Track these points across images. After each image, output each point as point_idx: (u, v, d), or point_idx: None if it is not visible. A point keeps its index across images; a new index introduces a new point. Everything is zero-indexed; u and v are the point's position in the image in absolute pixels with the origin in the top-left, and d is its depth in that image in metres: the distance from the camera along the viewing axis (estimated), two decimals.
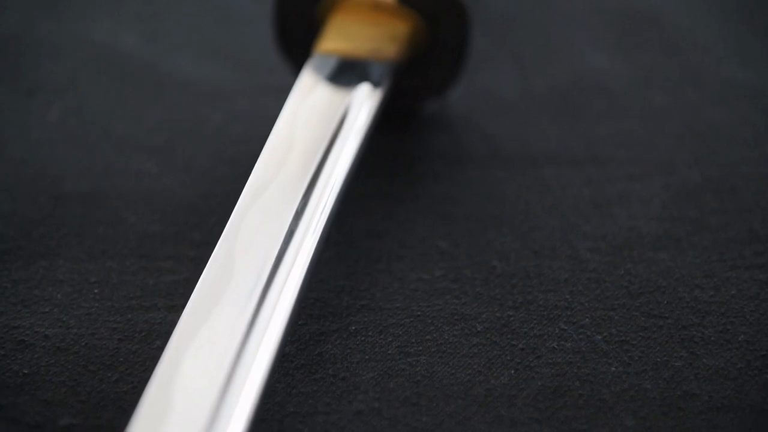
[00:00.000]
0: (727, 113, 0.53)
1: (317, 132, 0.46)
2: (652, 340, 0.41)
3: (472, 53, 0.56)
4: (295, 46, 0.53)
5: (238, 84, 0.55)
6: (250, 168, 0.45)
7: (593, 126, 0.52)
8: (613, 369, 0.40)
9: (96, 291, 0.43)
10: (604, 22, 0.60)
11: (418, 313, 0.43)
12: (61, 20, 0.59)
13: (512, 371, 0.40)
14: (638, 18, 0.60)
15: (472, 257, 0.45)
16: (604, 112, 0.53)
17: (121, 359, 0.40)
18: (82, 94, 0.54)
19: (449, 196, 0.48)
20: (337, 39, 0.50)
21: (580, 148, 0.51)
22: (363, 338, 0.42)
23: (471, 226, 0.47)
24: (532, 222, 0.47)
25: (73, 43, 0.58)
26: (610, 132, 0.52)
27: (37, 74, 0.55)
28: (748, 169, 0.49)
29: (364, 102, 0.48)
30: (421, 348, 0.41)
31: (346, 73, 0.49)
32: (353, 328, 0.42)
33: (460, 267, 0.45)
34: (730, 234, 0.46)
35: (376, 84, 0.49)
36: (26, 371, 0.40)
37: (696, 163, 0.50)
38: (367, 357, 0.41)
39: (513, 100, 0.54)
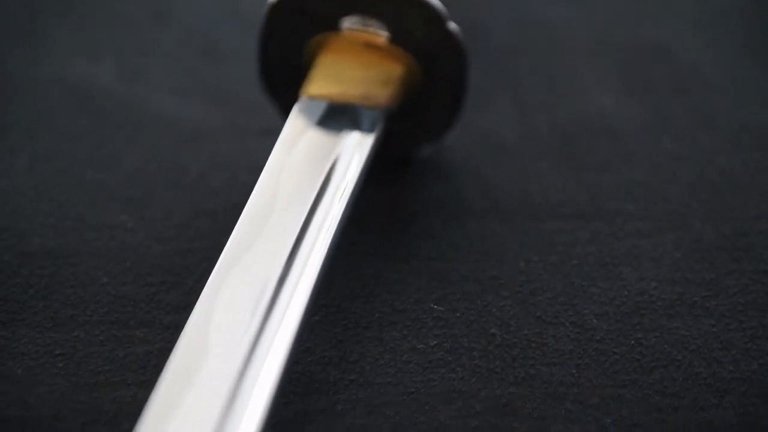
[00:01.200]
0: (743, 161, 0.49)
1: (303, 187, 0.43)
2: (667, 423, 0.38)
3: (469, 92, 0.52)
4: (282, 87, 0.50)
5: (222, 124, 0.52)
6: (232, 221, 0.42)
7: (599, 174, 0.49)
8: None
9: (60, 365, 0.40)
10: (611, 58, 0.56)
11: (412, 389, 0.39)
12: (34, 55, 0.56)
13: None
14: (647, 53, 0.57)
15: (470, 324, 0.42)
16: (611, 159, 0.49)
17: None
18: (54, 137, 0.51)
19: (445, 253, 0.45)
20: (326, 82, 0.47)
21: (585, 200, 0.47)
22: (351, 420, 0.38)
23: (468, 287, 0.43)
24: (534, 284, 0.43)
25: (46, 81, 0.54)
26: (617, 181, 0.48)
27: (6, 115, 0.52)
28: (766, 224, 0.46)
29: (354, 153, 0.44)
30: None
31: (335, 120, 0.46)
32: (340, 407, 0.39)
33: (456, 335, 0.41)
34: (749, 298, 0.42)
35: (367, 132, 0.45)
36: None
37: (709, 217, 0.46)
38: None
39: (513, 144, 0.51)
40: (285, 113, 0.50)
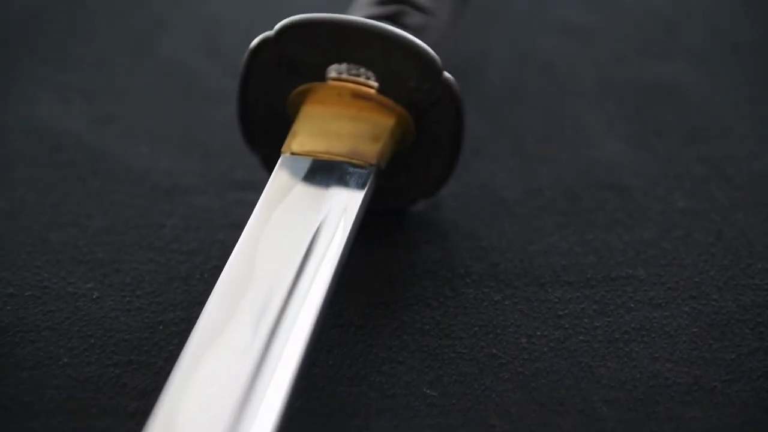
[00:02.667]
0: (764, 219, 0.45)
1: (285, 254, 0.39)
2: None
3: (466, 141, 0.49)
4: (264, 139, 0.46)
5: (200, 176, 0.48)
6: (208, 288, 0.38)
7: (606, 234, 0.45)
8: None
9: None
10: (618, 101, 0.52)
11: None
12: None
13: None
14: (656, 94, 0.53)
15: (466, 412, 0.38)
16: (619, 217, 0.46)
17: None
18: (17, 192, 0.47)
19: (439, 326, 0.41)
20: (310, 137, 0.43)
21: (592, 264, 0.44)
22: None
23: (464, 367, 0.40)
24: (537, 363, 0.40)
25: (8, 123, 0.50)
26: (627, 242, 0.44)
27: None
28: None
29: (341, 216, 0.41)
30: None
31: (320, 178, 0.42)
32: None
33: (452, 425, 0.38)
34: None
35: (355, 192, 0.42)
36: None
37: (728, 285, 0.42)
38: None
39: (513, 199, 0.47)
40: (267, 165, 0.46)
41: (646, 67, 0.55)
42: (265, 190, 0.42)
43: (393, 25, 0.46)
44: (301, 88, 0.44)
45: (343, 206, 0.41)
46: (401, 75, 0.43)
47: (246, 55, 0.44)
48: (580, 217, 0.46)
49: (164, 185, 0.48)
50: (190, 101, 0.53)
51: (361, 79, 0.44)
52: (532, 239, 0.45)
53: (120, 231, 0.45)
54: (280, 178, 0.42)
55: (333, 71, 0.44)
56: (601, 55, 0.56)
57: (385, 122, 0.44)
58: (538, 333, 0.41)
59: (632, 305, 0.42)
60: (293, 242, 0.40)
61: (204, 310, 0.37)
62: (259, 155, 0.46)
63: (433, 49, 0.46)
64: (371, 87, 0.44)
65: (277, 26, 0.44)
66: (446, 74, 0.43)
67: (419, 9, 0.47)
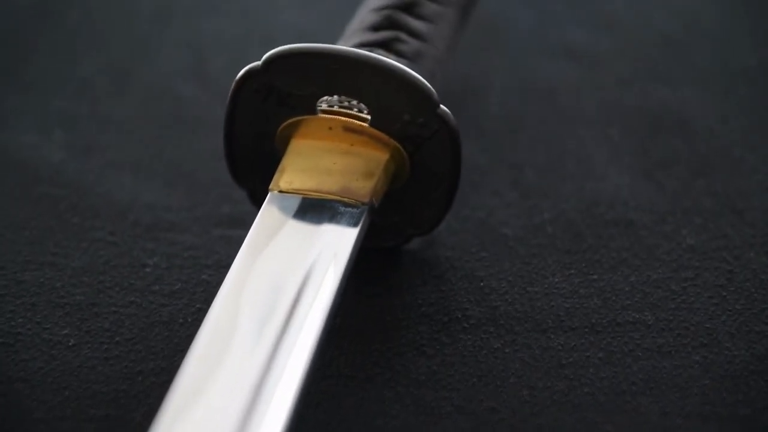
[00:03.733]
0: None
1: (273, 299, 0.37)
2: None
3: (464, 174, 0.46)
4: (251, 173, 0.44)
5: (184, 210, 0.46)
6: (191, 333, 0.36)
7: (612, 275, 0.43)
8: None
9: None
10: (623, 129, 0.50)
11: None
12: None
13: None
14: (663, 123, 0.50)
15: None
16: (625, 256, 0.43)
17: None
18: None
19: (435, 375, 0.39)
20: (299, 174, 0.41)
21: (597, 308, 0.41)
22: None
23: (462, 422, 0.37)
24: (539, 418, 0.37)
25: None
26: (633, 284, 0.42)
27: None
28: None
29: (331, 259, 0.38)
30: None
31: (310, 218, 0.40)
32: None
33: None
34: None
35: (346, 233, 0.39)
36: None
37: (741, 331, 0.40)
38: None
39: (514, 236, 0.45)
40: (255, 200, 0.44)
41: (652, 92, 0.52)
42: (251, 230, 0.40)
43: (386, 53, 0.44)
44: (290, 120, 0.42)
45: (333, 250, 0.39)
46: (395, 108, 0.41)
47: (232, 86, 0.42)
48: (584, 255, 0.43)
49: (146, 221, 0.45)
50: (176, 129, 0.51)
51: (354, 112, 0.42)
52: (533, 280, 0.42)
53: (99, 271, 0.43)
54: (266, 218, 0.40)
55: (324, 103, 0.42)
56: (604, 80, 0.53)
57: (379, 157, 0.41)
58: (541, 384, 0.38)
59: (640, 353, 0.39)
60: (280, 289, 0.37)
61: (184, 362, 0.35)
62: (247, 190, 0.44)
63: (429, 77, 0.44)
64: (364, 120, 0.41)
65: (265, 56, 0.41)
66: (442, 107, 0.41)
67: (414, 35, 0.45)
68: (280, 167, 0.41)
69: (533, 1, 0.59)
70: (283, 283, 0.38)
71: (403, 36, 0.45)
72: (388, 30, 0.45)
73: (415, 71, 0.43)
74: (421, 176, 0.42)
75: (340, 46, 0.41)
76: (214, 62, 0.55)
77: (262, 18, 0.58)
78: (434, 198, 0.42)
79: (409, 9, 0.46)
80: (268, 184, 0.41)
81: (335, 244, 0.39)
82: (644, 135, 0.50)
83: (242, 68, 0.53)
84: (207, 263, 0.43)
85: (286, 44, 0.56)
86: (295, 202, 0.40)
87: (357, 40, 0.45)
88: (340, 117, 0.42)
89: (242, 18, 0.58)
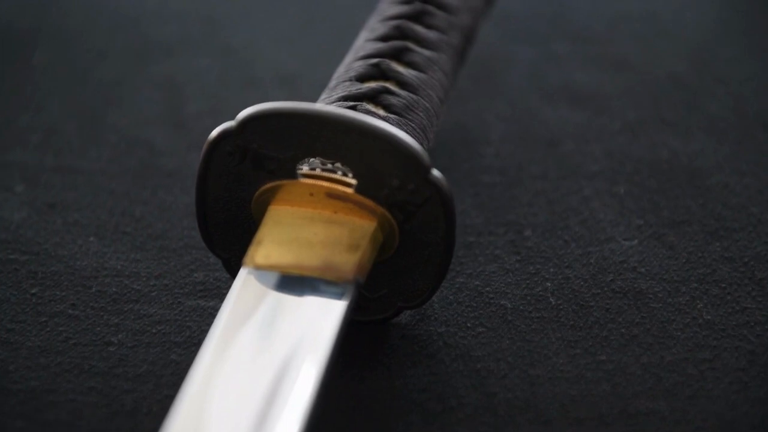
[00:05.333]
0: None
1: (244, 398, 0.33)
2: None
3: (458, 236, 0.43)
4: (226, 241, 0.40)
5: (153, 278, 0.42)
6: (155, 426, 0.32)
7: (621, 355, 0.39)
8: None
9: None
10: (631, 183, 0.46)
11: None
12: None
13: None
14: (674, 177, 0.47)
15: None
16: (636, 333, 0.40)
17: None
18: None
19: None
20: (277, 246, 0.37)
21: (605, 395, 0.37)
22: None
23: None
24: None
25: None
26: (645, 366, 0.38)
27: None
28: None
29: (311, 351, 0.34)
30: None
31: (288, 299, 0.36)
32: None
33: None
34: None
35: (328, 319, 0.35)
36: None
37: (764, 424, 0.36)
38: None
39: (513, 307, 0.41)
40: (230, 269, 0.40)
41: (661, 142, 0.49)
42: (223, 309, 0.36)
43: (374, 107, 0.40)
44: (267, 185, 0.38)
45: (314, 336, 0.35)
46: (382, 173, 0.37)
47: (204, 147, 0.38)
48: (591, 331, 0.40)
49: (112, 290, 0.41)
50: (148, 182, 0.47)
51: (338, 176, 0.38)
52: (534, 360, 0.39)
53: (58, 350, 0.39)
54: (241, 297, 0.36)
55: (305, 165, 0.38)
56: (610, 128, 0.50)
57: (365, 226, 0.38)
58: None
59: None
60: (255, 381, 0.34)
61: None
62: (222, 259, 0.40)
63: (420, 134, 0.40)
64: (349, 185, 0.37)
65: (240, 116, 0.38)
66: (434, 173, 0.37)
67: (405, 86, 0.41)
68: (256, 238, 0.38)
69: (534, 39, 0.55)
70: (256, 377, 0.34)
71: (393, 87, 0.41)
72: (377, 80, 0.41)
73: (404, 129, 0.40)
74: (411, 245, 0.38)
75: (322, 106, 0.37)
76: (190, 107, 0.51)
77: (244, 56, 0.55)
78: (426, 268, 0.39)
79: (398, 56, 0.43)
80: (245, 253, 0.37)
81: (316, 330, 0.35)
82: (653, 191, 0.46)
83: (220, 116, 0.50)
84: (177, 340, 0.39)
85: (269, 87, 0.52)
86: (272, 278, 0.37)
87: (342, 92, 0.41)
88: (322, 182, 0.38)
89: (223, 56, 0.55)
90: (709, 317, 0.40)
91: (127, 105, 0.51)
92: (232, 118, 0.50)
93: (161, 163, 0.48)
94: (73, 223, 0.45)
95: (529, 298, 0.41)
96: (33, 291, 0.41)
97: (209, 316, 0.40)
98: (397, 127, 0.39)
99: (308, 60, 0.54)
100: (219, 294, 0.41)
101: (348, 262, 0.37)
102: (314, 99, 0.46)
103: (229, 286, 0.37)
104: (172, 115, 0.50)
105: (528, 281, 0.42)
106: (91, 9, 0.58)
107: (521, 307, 0.41)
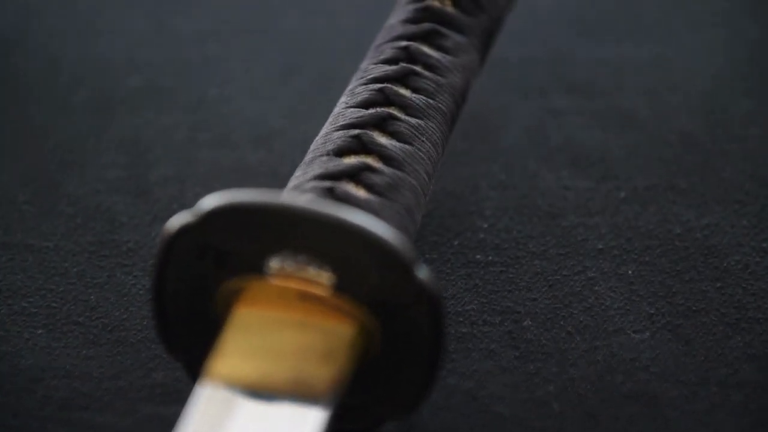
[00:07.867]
0: None
1: None
2: None
3: (450, 329, 0.38)
4: (188, 343, 0.36)
5: (106, 380, 0.38)
6: None
7: None
8: None
9: None
10: (640, 263, 0.42)
11: None
12: None
13: None
14: (687, 255, 0.42)
15: None
16: None
17: None
18: None
19: None
20: (241, 358, 0.33)
21: None
22: None
23: None
24: None
25: None
26: None
27: None
28: None
29: None
30: None
31: (253, 418, 0.32)
32: None
33: None
34: None
35: None
36: None
37: None
38: None
39: (511, 415, 0.37)
40: (192, 371, 0.36)
41: (673, 214, 0.44)
42: (182, 427, 0.31)
43: (355, 187, 0.36)
44: (231, 284, 0.34)
45: None
46: (361, 268, 0.33)
47: (159, 243, 0.34)
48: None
49: (59, 396, 0.37)
50: (105, 262, 0.42)
51: (311, 274, 0.33)
52: None
53: None
54: (199, 417, 0.32)
55: (275, 260, 0.34)
56: (616, 197, 0.45)
57: (342, 332, 0.33)
58: None
59: None
60: None
61: None
62: (182, 362, 0.36)
63: (406, 218, 0.36)
64: (323, 285, 0.33)
65: (199, 209, 0.33)
66: (420, 271, 0.32)
67: (388, 161, 0.37)
68: (218, 346, 0.33)
69: (531, 91, 0.51)
70: None
71: (375, 163, 0.37)
72: (357, 155, 0.37)
73: (388, 212, 0.35)
74: (395, 349, 0.34)
75: (292, 198, 0.33)
76: (156, 171, 0.47)
77: (217, 110, 0.50)
78: (412, 375, 0.34)
79: (382, 125, 0.38)
80: (207, 355, 0.33)
81: None
82: (665, 272, 0.41)
83: (188, 181, 0.45)
84: None
85: (244, 147, 0.48)
86: (237, 394, 0.32)
87: (319, 169, 0.37)
88: (293, 282, 0.33)
89: (194, 111, 0.50)
90: (731, 430, 0.35)
91: (88, 169, 0.47)
92: (201, 184, 0.46)
93: (121, 238, 0.43)
94: (19, 312, 0.40)
95: (529, 403, 0.37)
96: None
97: (168, 426, 0.36)
98: (380, 210, 0.35)
99: (288, 114, 0.50)
100: (180, 398, 0.37)
101: (322, 375, 0.32)
102: (294, 160, 0.41)
103: (191, 389, 0.33)
104: (136, 180, 0.46)
105: (528, 383, 0.37)
106: (53, 56, 0.53)
107: (520, 416, 0.36)
